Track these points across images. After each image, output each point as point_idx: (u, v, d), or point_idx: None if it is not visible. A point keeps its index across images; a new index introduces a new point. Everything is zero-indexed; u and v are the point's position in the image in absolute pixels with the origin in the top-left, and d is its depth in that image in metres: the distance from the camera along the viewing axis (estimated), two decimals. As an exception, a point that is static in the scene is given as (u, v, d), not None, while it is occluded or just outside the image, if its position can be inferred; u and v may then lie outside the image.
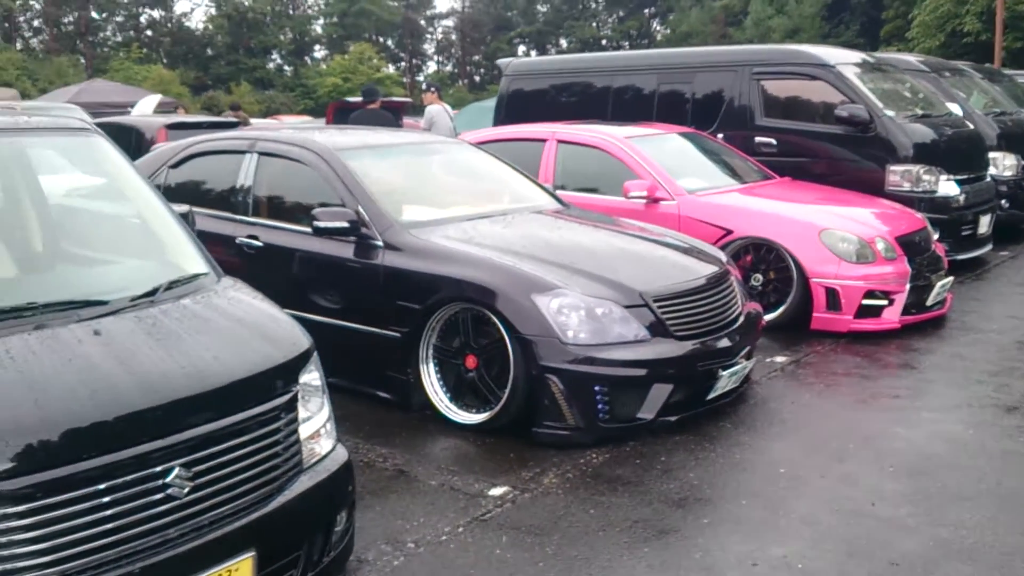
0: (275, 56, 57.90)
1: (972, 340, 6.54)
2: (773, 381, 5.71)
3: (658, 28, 64.85)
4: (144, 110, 17.17)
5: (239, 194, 5.93)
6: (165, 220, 3.71)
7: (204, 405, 2.82)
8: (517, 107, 11.50)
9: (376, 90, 11.80)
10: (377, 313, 5.13)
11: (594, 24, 65.52)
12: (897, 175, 8.70)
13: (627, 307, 4.73)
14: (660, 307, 4.79)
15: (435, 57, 66.71)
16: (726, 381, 4.96)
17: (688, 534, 3.70)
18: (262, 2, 55.18)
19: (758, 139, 9.50)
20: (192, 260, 3.59)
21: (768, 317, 6.83)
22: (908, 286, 6.76)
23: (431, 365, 4.98)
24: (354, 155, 5.72)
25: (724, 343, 4.97)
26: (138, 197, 3.78)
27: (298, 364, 3.17)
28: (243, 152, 6.06)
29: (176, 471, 2.69)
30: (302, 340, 3.28)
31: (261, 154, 5.95)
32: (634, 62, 10.83)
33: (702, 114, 9.92)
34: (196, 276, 3.47)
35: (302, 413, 3.16)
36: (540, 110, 10.91)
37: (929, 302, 7.01)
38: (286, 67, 57.35)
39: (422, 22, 64.86)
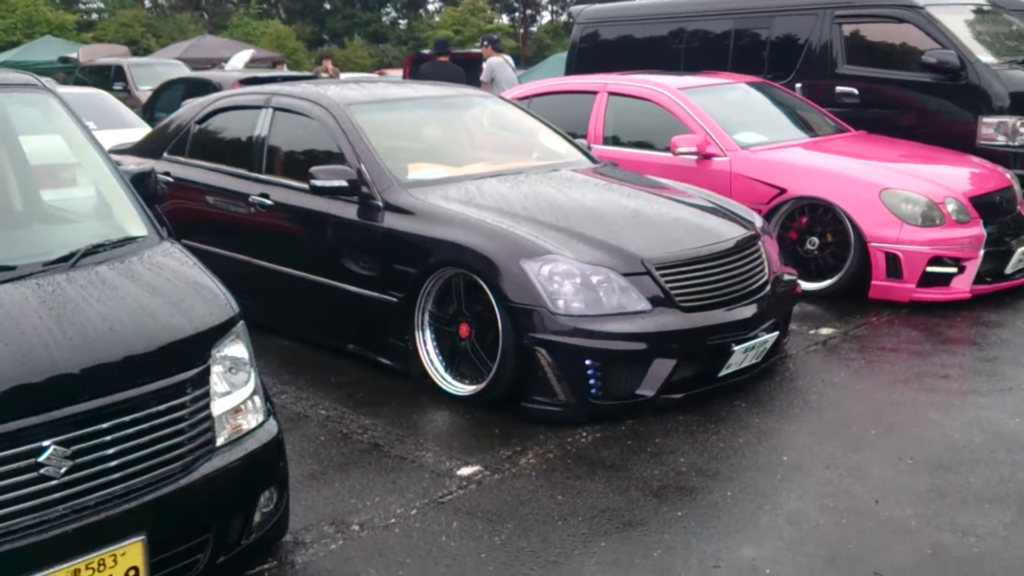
0: (389, 9, 58.07)
1: (1052, 313, 5.89)
2: (810, 356, 5.24)
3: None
4: (236, 64, 17.36)
5: (254, 150, 5.77)
6: (109, 182, 3.55)
7: (88, 380, 2.66)
8: (588, 57, 11.03)
9: (446, 42, 11.54)
10: (376, 277, 4.90)
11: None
12: (991, 128, 7.89)
13: (627, 275, 4.35)
14: (665, 275, 4.40)
15: (549, 7, 65.67)
16: (741, 357, 4.54)
17: (654, 528, 3.37)
18: (378, -45, 55.37)
19: (839, 89, 8.80)
20: (132, 222, 3.43)
21: (823, 284, 6.35)
22: (982, 252, 6.12)
23: (427, 332, 4.74)
24: (364, 109, 5.47)
25: (740, 315, 4.54)
26: (85, 158, 3.62)
27: (212, 336, 2.97)
28: (260, 107, 5.90)
29: (51, 449, 2.54)
30: (221, 311, 3.07)
31: (276, 109, 5.77)
32: (709, 6, 10.16)
33: (779, 62, 9.27)
34: (129, 240, 3.31)
35: (220, 387, 2.97)
36: (611, 60, 10.42)
37: (1009, 270, 6.35)
38: (400, 20, 57.51)
39: (536, -29, 63.86)
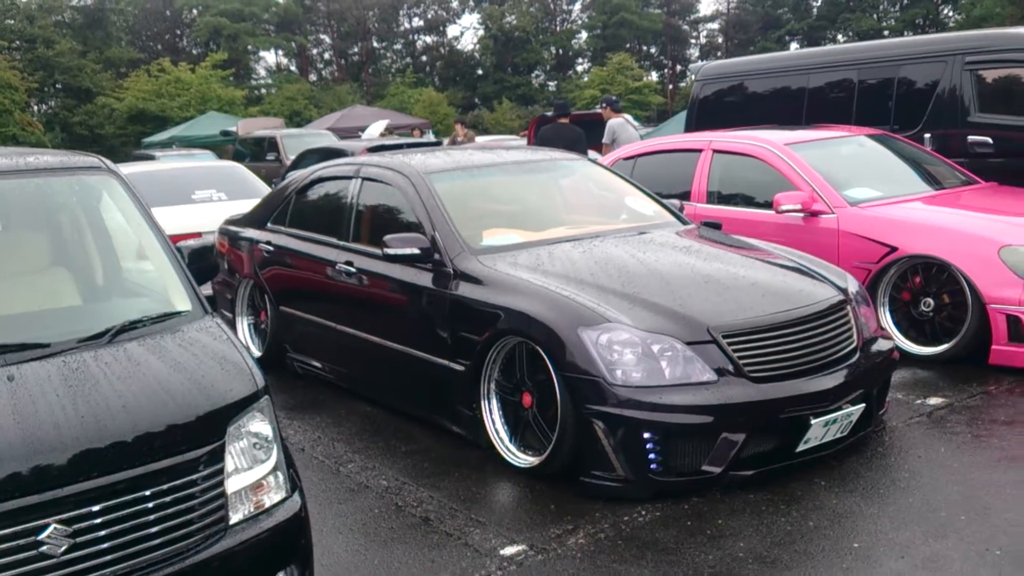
0: (538, 72, 59.19)
1: None
2: (910, 428, 4.83)
3: (949, 14, 59.49)
4: (371, 133, 18.01)
5: (343, 219, 5.90)
6: (162, 258, 3.67)
7: (94, 458, 2.69)
8: (707, 113, 10.86)
9: (565, 104, 11.57)
10: (446, 344, 4.87)
11: (874, 16, 61.30)
12: None
13: (691, 343, 4.15)
14: (732, 344, 4.17)
15: (699, 61, 65.31)
16: (821, 431, 4.22)
17: (693, 621, 3.13)
18: (527, 21, 56.66)
19: (971, 138, 8.30)
20: (179, 298, 3.53)
21: (939, 349, 5.90)
22: (1121, 314, 5.53)
23: (493, 401, 4.65)
24: (444, 177, 5.50)
25: (819, 386, 4.23)
26: (142, 235, 3.76)
27: (229, 412, 2.98)
28: (350, 178, 6.04)
29: (52, 528, 2.59)
30: (243, 386, 3.08)
31: (364, 179, 5.89)
32: (831, 57, 9.81)
33: (907, 112, 8.83)
34: (171, 315, 3.40)
35: (237, 464, 2.96)
36: (731, 116, 10.20)
37: None
38: (549, 82, 58.49)
39: (685, 27, 63.75)
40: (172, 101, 37.14)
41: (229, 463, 2.92)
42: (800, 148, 7.09)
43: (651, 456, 4.04)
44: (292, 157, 19.03)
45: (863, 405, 4.39)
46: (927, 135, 8.64)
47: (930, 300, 6.02)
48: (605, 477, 4.13)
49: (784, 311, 4.35)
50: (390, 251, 5.00)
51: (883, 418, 4.87)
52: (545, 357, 4.28)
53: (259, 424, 3.04)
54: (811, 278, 4.78)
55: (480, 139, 18.33)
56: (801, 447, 4.23)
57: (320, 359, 6.09)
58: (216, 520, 2.85)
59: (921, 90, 8.76)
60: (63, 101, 45.49)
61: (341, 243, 5.82)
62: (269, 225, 6.68)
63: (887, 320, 6.20)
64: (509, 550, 3.71)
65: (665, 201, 6.09)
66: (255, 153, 20.97)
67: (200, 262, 3.80)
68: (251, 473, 2.99)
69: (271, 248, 6.48)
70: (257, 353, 6.81)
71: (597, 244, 5.07)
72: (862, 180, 7.01)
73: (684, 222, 5.81)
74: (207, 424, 2.91)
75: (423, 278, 5.07)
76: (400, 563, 3.65)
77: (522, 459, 4.48)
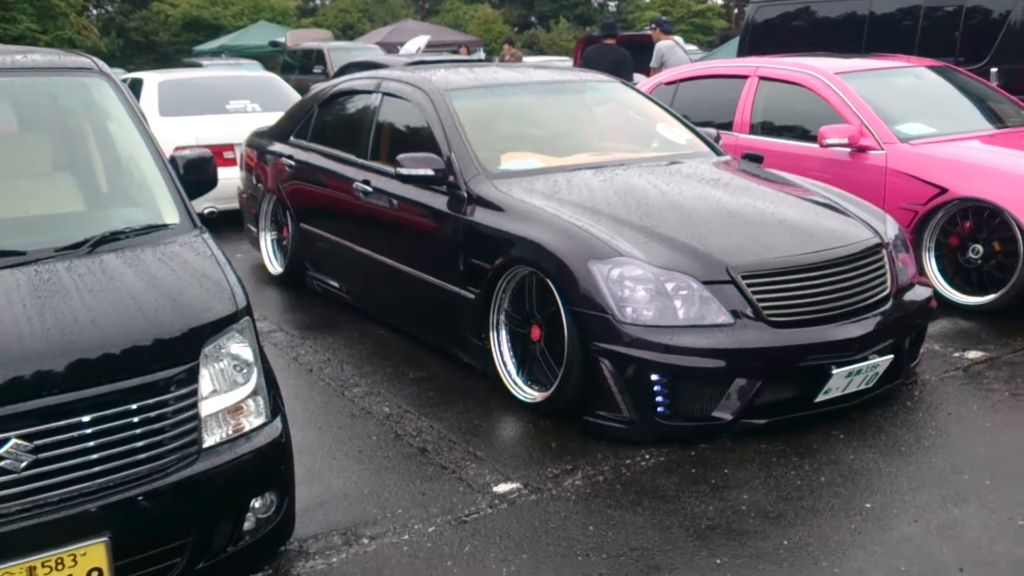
0: (599, -9, 57.71)
1: None
2: (944, 383, 4.57)
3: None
4: (409, 49, 17.59)
5: (362, 136, 5.70)
6: (151, 168, 3.50)
7: (58, 373, 2.58)
8: (761, 39, 10.40)
9: (613, 24, 11.11)
10: (458, 271, 4.68)
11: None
12: None
13: (707, 283, 3.91)
14: (752, 285, 3.92)
15: (767, -13, 63.07)
16: (843, 381, 3.99)
17: (683, 576, 2.97)
18: (590, -64, 55.04)
19: (1040, 74, 7.79)
20: (167, 210, 3.37)
21: (985, 299, 5.58)
22: None
23: (502, 333, 4.47)
24: (465, 95, 5.25)
25: (844, 334, 3.97)
26: (130, 143, 3.58)
27: (205, 332, 2.83)
28: (371, 92, 5.81)
29: (11, 443, 2.49)
30: (222, 306, 2.93)
31: (384, 94, 5.66)
32: (895, -18, 9.26)
33: (973, 44, 8.32)
34: (156, 228, 3.25)
35: (212, 386, 2.83)
36: (785, 42, 9.74)
37: None
38: (609, 2, 56.99)
39: (755, -50, 61.44)
40: (225, 9, 36.91)
41: (204, 385, 2.79)
42: (852, 78, 6.68)
43: (658, 399, 3.84)
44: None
45: (891, 356, 4.13)
46: (994, 69, 8.14)
47: (979, 247, 5.67)
48: (610, 418, 3.95)
49: (811, 252, 4.08)
50: (403, 171, 4.79)
51: (915, 370, 4.61)
52: (554, 290, 4.08)
53: (238, 346, 2.90)
54: (846, 218, 4.48)
55: (528, 59, 17.85)
56: (821, 397, 4.00)
57: (338, 279, 5.96)
58: (188, 443, 2.74)
59: (991, 21, 8.23)
60: (119, 6, 45.49)
61: (360, 160, 5.63)
62: (292, 139, 6.50)
63: (932, 266, 5.87)
64: (503, 487, 3.56)
65: (701, 130, 5.77)
66: (303, 65, 20.71)
67: (196, 174, 3.60)
68: (228, 396, 2.86)
69: (292, 163, 6.30)
70: (279, 269, 6.70)
71: (620, 173, 4.80)
72: (917, 115, 6.59)
73: (719, 153, 5.50)
74: (180, 343, 2.78)
75: (438, 201, 4.86)
76: (390, 494, 3.53)
77: (528, 394, 4.32)
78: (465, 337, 4.69)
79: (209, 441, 2.79)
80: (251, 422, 2.90)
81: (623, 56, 10.81)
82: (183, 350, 2.78)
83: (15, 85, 3.57)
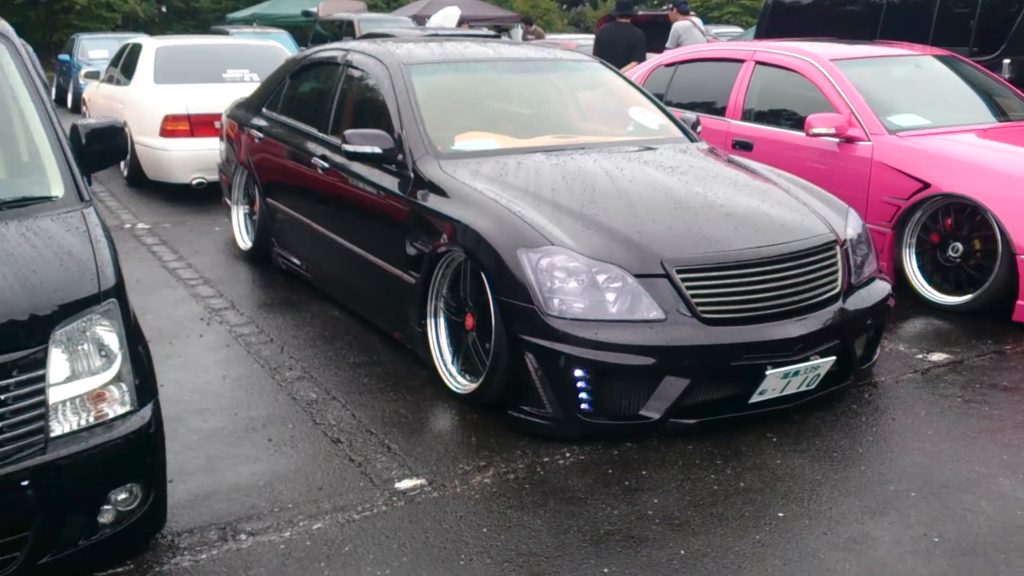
0: (643, -32, 56.84)
1: None
2: (899, 385, 4.37)
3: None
4: (439, 22, 17.33)
5: (325, 109, 5.58)
6: (40, 136, 3.36)
7: None
8: (779, 21, 10.12)
9: (629, 3, 10.81)
10: (403, 253, 4.55)
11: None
12: None
13: (640, 276, 3.74)
14: (688, 280, 3.75)
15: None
16: (779, 383, 3.81)
17: (565, 586, 2.84)
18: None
19: (1052, 67, 7.46)
20: (54, 182, 3.24)
21: (961, 299, 5.35)
22: None
23: (440, 320, 4.34)
24: (426, 70, 5.11)
25: (780, 333, 3.79)
26: (22, 109, 3.45)
27: (57, 315, 2.69)
28: (336, 64, 5.68)
29: None
30: (81, 287, 2.77)
31: (348, 66, 5.53)
32: (912, -34, 8.91)
33: (988, 34, 7.99)
34: (33, 199, 3.11)
35: (76, 370, 2.71)
36: (802, 26, 9.48)
37: None
38: (653, -20, 56.16)
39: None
40: (264, -25, 36.74)
41: (55, 371, 2.66)
42: (847, 65, 6.42)
43: (582, 396, 3.69)
44: (364, 43, 18.63)
45: (834, 358, 3.94)
46: (1006, 61, 7.82)
47: (959, 245, 5.43)
48: (533, 413, 3.81)
49: (753, 247, 3.89)
50: (349, 148, 4.66)
51: (870, 371, 4.42)
52: (484, 278, 3.94)
53: (100, 329, 2.77)
54: (800, 213, 4.27)
55: (556, 37, 17.55)
56: (756, 398, 3.83)
57: (299, 257, 5.86)
58: (31, 432, 2.61)
59: (1006, 11, 7.89)
60: (161, -29, 45.56)
61: (320, 135, 5.51)
62: (264, 110, 6.40)
63: (911, 264, 5.65)
64: (406, 483, 3.44)
65: (677, 115, 5.57)
66: (334, 35, 20.58)
67: (100, 143, 3.47)
68: (85, 382, 2.72)
69: (261, 136, 6.21)
70: (248, 244, 6.62)
71: (575, 157, 4.63)
72: (913, 106, 6.33)
73: (692, 139, 5.30)
74: (25, 326, 2.64)
75: (387, 180, 4.73)
76: (286, 487, 3.41)
77: (461, 384, 4.19)
78: (408, 323, 4.57)
79: (58, 430, 2.66)
80: (115, 410, 2.77)
81: (637, 36, 10.54)
82: (28, 333, 2.64)
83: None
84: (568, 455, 3.67)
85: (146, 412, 2.84)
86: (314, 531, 3.11)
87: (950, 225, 5.48)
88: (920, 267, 5.62)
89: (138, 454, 2.84)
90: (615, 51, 10.45)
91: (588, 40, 18.75)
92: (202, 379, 4.39)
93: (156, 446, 2.90)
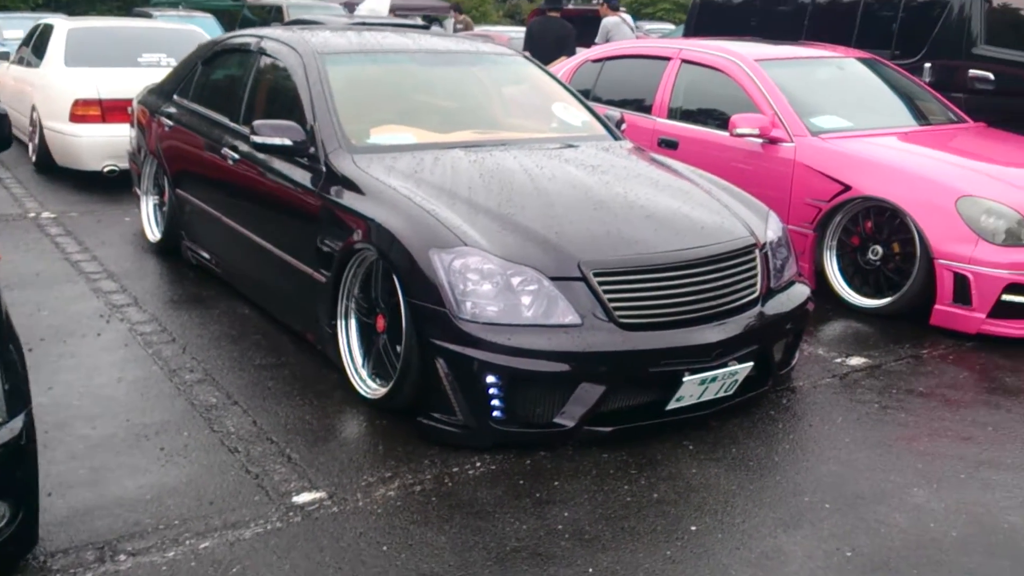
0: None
1: None
2: (817, 391, 4.33)
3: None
4: (370, 7, 16.99)
5: (236, 97, 5.34)
6: None
7: None
8: (706, 20, 10.09)
9: (556, -3, 10.72)
10: (313, 250, 4.35)
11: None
12: None
13: (556, 279, 3.62)
14: (604, 283, 3.63)
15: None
16: (697, 389, 3.72)
17: (467, 608, 2.69)
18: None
19: (972, 72, 7.56)
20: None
21: (880, 302, 5.35)
22: (1082, 283, 4.94)
23: (350, 321, 4.17)
24: (341, 60, 4.91)
25: (699, 339, 3.70)
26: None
27: None
28: (250, 51, 5.45)
29: None
30: None
31: (261, 54, 5.30)
32: (838, -31, 8.96)
33: (909, 38, 8.05)
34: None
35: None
36: (729, 25, 9.47)
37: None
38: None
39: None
40: (193, -42, 35.81)
41: None
42: (771, 65, 6.40)
43: (494, 402, 3.56)
44: (294, 28, 18.20)
45: (751, 363, 3.87)
46: (927, 65, 7.89)
47: (879, 248, 5.43)
48: (444, 420, 3.67)
49: (673, 251, 3.80)
50: (257, 139, 4.44)
51: (789, 376, 4.37)
52: (395, 278, 3.78)
53: None
54: (721, 215, 4.19)
55: (480, 29, 17.35)
56: (673, 405, 3.73)
57: (208, 250, 5.62)
58: None
59: (928, 15, 7.96)
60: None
61: (231, 125, 5.28)
62: (175, 97, 6.12)
63: (832, 266, 5.64)
64: (304, 497, 3.27)
65: (602, 112, 5.47)
66: (263, 20, 20.08)
67: None
68: None
69: (171, 123, 5.94)
70: (157, 236, 6.35)
71: (494, 154, 4.49)
72: (836, 108, 6.34)
73: (616, 138, 5.20)
74: None
75: (298, 174, 4.53)
76: (175, 501, 3.19)
77: (369, 389, 4.03)
78: (318, 323, 4.38)
79: None
80: None
81: (567, 30, 10.46)
82: None
83: None
84: (479, 465, 3.53)
85: (16, 423, 2.63)
86: (201, 551, 2.91)
87: (870, 228, 5.47)
88: (841, 269, 5.61)
89: (6, 469, 2.62)
90: (545, 45, 10.36)
91: (520, 33, 18.62)
92: (95, 382, 4.15)
93: (27, 460, 2.68)
